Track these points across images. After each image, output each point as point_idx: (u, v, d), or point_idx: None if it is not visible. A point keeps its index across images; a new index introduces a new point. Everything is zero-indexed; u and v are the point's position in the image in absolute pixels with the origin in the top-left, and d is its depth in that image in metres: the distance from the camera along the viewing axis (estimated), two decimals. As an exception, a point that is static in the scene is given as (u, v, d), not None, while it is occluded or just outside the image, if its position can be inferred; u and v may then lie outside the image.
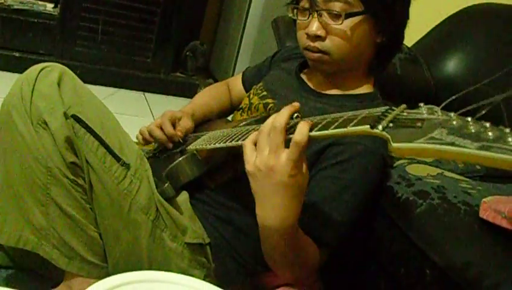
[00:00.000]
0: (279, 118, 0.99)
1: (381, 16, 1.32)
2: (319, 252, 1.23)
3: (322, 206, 1.26)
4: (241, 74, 1.82)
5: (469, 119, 0.68)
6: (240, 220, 1.35)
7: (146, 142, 1.52)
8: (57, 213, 1.21)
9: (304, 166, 1.01)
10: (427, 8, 2.31)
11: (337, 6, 1.29)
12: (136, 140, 1.47)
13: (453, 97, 0.81)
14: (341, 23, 1.29)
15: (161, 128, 1.47)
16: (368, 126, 0.80)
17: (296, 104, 1.03)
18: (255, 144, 1.03)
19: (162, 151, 1.53)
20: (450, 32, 2.21)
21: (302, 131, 0.95)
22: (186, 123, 1.51)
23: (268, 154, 0.99)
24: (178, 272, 1.08)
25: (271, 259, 1.22)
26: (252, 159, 1.02)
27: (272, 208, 1.05)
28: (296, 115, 1.13)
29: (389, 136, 0.74)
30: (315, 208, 1.26)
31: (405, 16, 1.39)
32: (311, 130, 0.95)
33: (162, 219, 1.28)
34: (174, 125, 1.49)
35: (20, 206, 1.21)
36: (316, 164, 1.29)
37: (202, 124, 1.61)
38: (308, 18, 1.34)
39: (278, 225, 1.07)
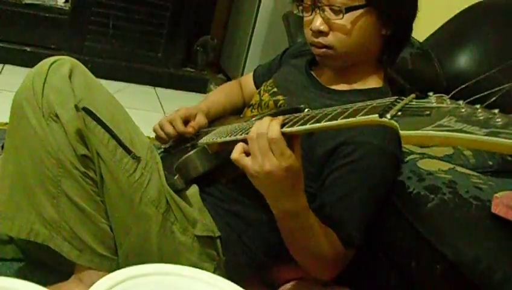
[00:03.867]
0: (270, 128, 1.05)
1: (384, 8, 1.31)
2: (342, 246, 1.25)
3: (336, 206, 1.27)
4: (252, 72, 1.82)
5: (478, 106, 0.68)
6: (250, 215, 1.35)
7: (161, 140, 1.53)
8: (68, 206, 1.22)
9: (291, 152, 1.05)
10: (438, 3, 2.31)
11: (337, 2, 1.29)
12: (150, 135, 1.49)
13: (463, 86, 0.81)
14: (342, 18, 1.29)
15: (172, 125, 1.49)
16: (377, 115, 0.80)
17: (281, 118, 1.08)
18: (245, 152, 1.11)
19: (173, 146, 1.53)
20: (461, 27, 2.20)
21: (273, 128, 1.03)
22: (200, 120, 1.53)
23: (262, 159, 1.05)
24: (188, 265, 1.08)
25: (296, 250, 1.25)
26: (248, 165, 1.08)
27: (281, 197, 1.11)
28: (307, 109, 1.14)
29: (397, 124, 0.74)
30: (329, 208, 1.27)
31: (411, 8, 1.37)
32: (320, 121, 0.95)
33: (172, 211, 1.28)
34: (188, 122, 1.51)
35: (31, 199, 1.22)
36: (328, 164, 1.30)
37: (215, 120, 1.62)
38: (311, 14, 1.35)
39: (291, 208, 1.13)
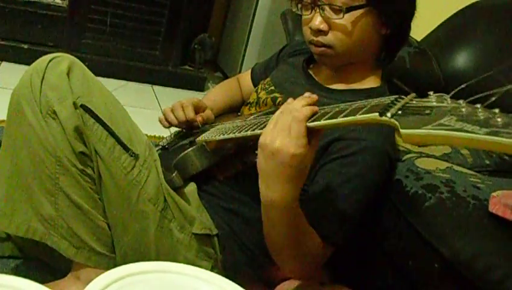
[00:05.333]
0: (297, 107, 1.01)
1: (384, 8, 1.31)
2: (322, 244, 1.23)
3: (323, 199, 1.26)
4: (250, 70, 1.83)
5: (478, 106, 0.68)
6: (248, 212, 1.35)
7: (168, 123, 1.55)
8: (66, 203, 1.21)
9: (306, 143, 1.00)
10: (436, 2, 2.31)
11: (338, 1, 1.29)
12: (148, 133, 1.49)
13: (463, 85, 0.81)
14: (342, 17, 1.29)
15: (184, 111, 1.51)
16: (377, 114, 0.80)
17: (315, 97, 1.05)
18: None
19: (171, 144, 1.53)
20: (459, 26, 2.20)
21: (302, 109, 1.00)
22: (209, 114, 1.56)
23: (277, 133, 1.01)
24: (185, 263, 1.08)
25: (273, 243, 1.20)
26: (264, 131, 1.04)
27: (274, 182, 1.05)
28: None
29: (397, 123, 0.74)
30: (316, 201, 1.26)
31: (410, 7, 1.37)
32: (319, 119, 0.96)
33: (170, 209, 1.28)
34: (197, 113, 1.54)
35: (29, 196, 1.22)
36: (320, 159, 1.29)
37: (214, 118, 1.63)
38: (311, 13, 1.35)
39: (279, 199, 1.07)
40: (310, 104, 1.02)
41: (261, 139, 1.04)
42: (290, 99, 1.06)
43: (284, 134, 1.00)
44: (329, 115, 0.94)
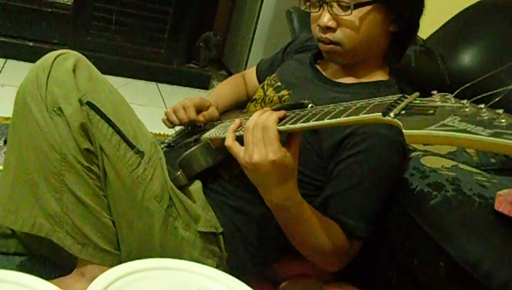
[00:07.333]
0: (267, 119, 1.07)
1: (392, 5, 1.31)
2: (345, 238, 1.25)
3: (342, 197, 1.28)
4: (255, 66, 1.82)
5: (482, 106, 0.68)
6: (253, 210, 1.35)
7: (171, 123, 1.55)
8: (71, 200, 1.22)
9: (280, 146, 1.05)
10: (442, 1, 2.30)
11: None
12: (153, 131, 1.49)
13: (467, 84, 0.81)
14: (350, 14, 1.29)
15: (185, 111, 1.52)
16: (380, 114, 0.80)
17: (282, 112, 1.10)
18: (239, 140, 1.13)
19: (176, 141, 1.53)
20: (465, 25, 2.19)
21: (269, 118, 1.06)
22: (213, 112, 1.56)
23: (252, 149, 1.07)
24: (190, 261, 1.08)
25: (295, 241, 1.25)
26: (240, 154, 1.10)
27: (271, 189, 1.13)
28: (310, 105, 1.13)
29: (400, 123, 0.74)
30: (335, 200, 1.28)
31: (419, 4, 1.38)
32: (323, 118, 0.95)
33: (175, 207, 1.28)
34: (200, 112, 1.54)
35: (34, 193, 1.22)
36: (335, 156, 1.30)
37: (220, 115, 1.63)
38: (319, 10, 1.35)
39: (281, 201, 1.14)
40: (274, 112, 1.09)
41: (241, 161, 1.11)
42: (252, 117, 1.10)
43: (260, 146, 1.06)
44: (332, 114, 0.94)
